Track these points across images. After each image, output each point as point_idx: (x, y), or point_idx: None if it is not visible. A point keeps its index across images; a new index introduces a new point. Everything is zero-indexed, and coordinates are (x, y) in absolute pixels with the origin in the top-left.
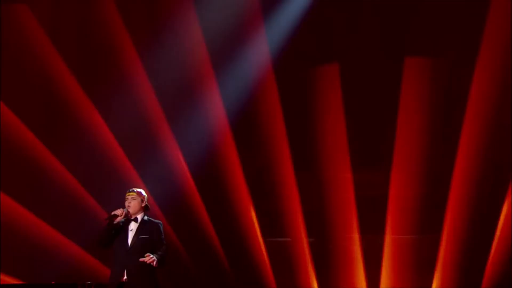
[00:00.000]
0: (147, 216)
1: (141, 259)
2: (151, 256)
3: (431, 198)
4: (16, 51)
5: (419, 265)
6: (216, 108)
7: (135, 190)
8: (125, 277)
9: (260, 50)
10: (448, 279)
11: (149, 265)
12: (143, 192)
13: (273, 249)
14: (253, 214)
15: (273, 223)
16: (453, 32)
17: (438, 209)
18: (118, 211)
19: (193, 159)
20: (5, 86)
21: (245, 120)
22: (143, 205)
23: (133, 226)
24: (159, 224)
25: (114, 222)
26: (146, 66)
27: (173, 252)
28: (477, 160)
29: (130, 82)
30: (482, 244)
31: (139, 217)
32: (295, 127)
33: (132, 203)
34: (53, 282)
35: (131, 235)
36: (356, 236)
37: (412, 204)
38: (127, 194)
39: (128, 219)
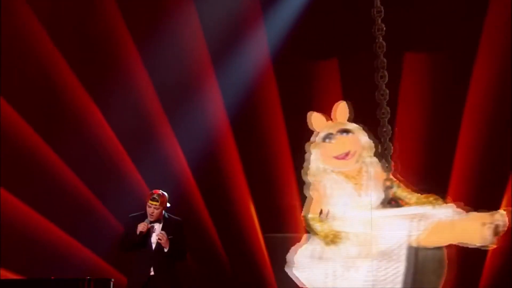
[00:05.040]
0: (167, 214)
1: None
2: (166, 238)
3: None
4: (15, 46)
5: None
6: (215, 103)
7: (158, 198)
8: (152, 273)
9: (259, 45)
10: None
11: (173, 262)
12: (165, 195)
13: (273, 245)
14: (252, 209)
15: (273, 219)
16: (452, 28)
17: None
18: (144, 228)
19: (193, 155)
20: (5, 83)
21: (245, 115)
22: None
23: (156, 227)
24: (181, 223)
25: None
26: (145, 61)
27: None
28: (476, 155)
29: (129, 77)
30: None
31: (161, 217)
32: (294, 122)
33: (155, 213)
34: (52, 278)
35: (155, 235)
36: None
37: None
38: (150, 202)
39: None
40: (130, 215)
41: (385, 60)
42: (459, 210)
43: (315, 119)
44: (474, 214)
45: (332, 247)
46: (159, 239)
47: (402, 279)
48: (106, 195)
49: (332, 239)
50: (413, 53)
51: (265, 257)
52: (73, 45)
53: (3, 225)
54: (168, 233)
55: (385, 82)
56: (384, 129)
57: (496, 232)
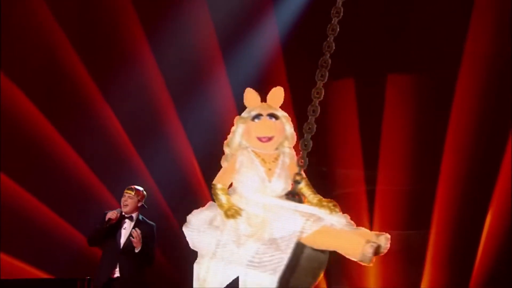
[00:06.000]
0: (142, 216)
1: (133, 233)
2: (140, 237)
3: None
4: (19, 30)
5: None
6: (224, 96)
7: (134, 189)
8: (117, 274)
9: (270, 35)
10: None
11: (141, 265)
12: (143, 191)
13: None
14: None
15: None
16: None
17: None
18: (112, 215)
19: (201, 147)
20: (8, 64)
21: None
22: (139, 204)
23: (127, 225)
24: (153, 228)
25: (109, 224)
26: (154, 51)
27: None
28: (463, 158)
29: (136, 66)
30: (470, 243)
31: (134, 215)
32: (304, 113)
33: (128, 202)
34: (53, 277)
35: (124, 233)
36: None
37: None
38: (125, 191)
39: (122, 216)
40: (106, 211)
41: (329, 60)
42: (351, 222)
43: (250, 96)
44: (362, 230)
45: (231, 220)
46: (132, 236)
47: (282, 269)
48: (111, 187)
49: (233, 213)
50: (396, 74)
51: None
52: (81, 33)
53: (3, 211)
54: None
55: (323, 82)
56: (309, 126)
57: (376, 252)
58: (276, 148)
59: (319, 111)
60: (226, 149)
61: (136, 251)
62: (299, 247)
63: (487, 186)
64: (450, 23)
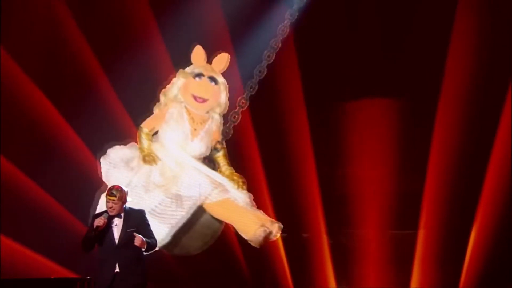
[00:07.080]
0: (128, 206)
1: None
2: (141, 238)
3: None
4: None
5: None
6: (233, 79)
7: (116, 193)
8: (116, 269)
9: (280, 18)
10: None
11: (139, 256)
12: (123, 191)
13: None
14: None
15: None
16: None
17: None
18: (100, 222)
19: None
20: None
21: (262, 91)
22: (124, 205)
23: (117, 221)
24: (143, 213)
25: (98, 231)
26: (161, 28)
27: None
28: (452, 159)
29: (142, 44)
30: (459, 243)
31: (122, 212)
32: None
33: (114, 206)
34: (52, 277)
35: (116, 230)
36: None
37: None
38: (108, 197)
39: (111, 216)
40: (94, 214)
41: (280, 43)
42: (253, 202)
43: (196, 54)
44: (260, 213)
45: (146, 166)
46: (135, 242)
47: (175, 224)
48: None
49: (150, 160)
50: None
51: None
52: (86, 11)
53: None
54: (131, 225)
55: (268, 62)
56: (242, 100)
57: (266, 237)
58: (207, 112)
59: (255, 89)
60: (161, 97)
61: (144, 249)
62: (198, 210)
63: (475, 187)
64: (430, 46)
